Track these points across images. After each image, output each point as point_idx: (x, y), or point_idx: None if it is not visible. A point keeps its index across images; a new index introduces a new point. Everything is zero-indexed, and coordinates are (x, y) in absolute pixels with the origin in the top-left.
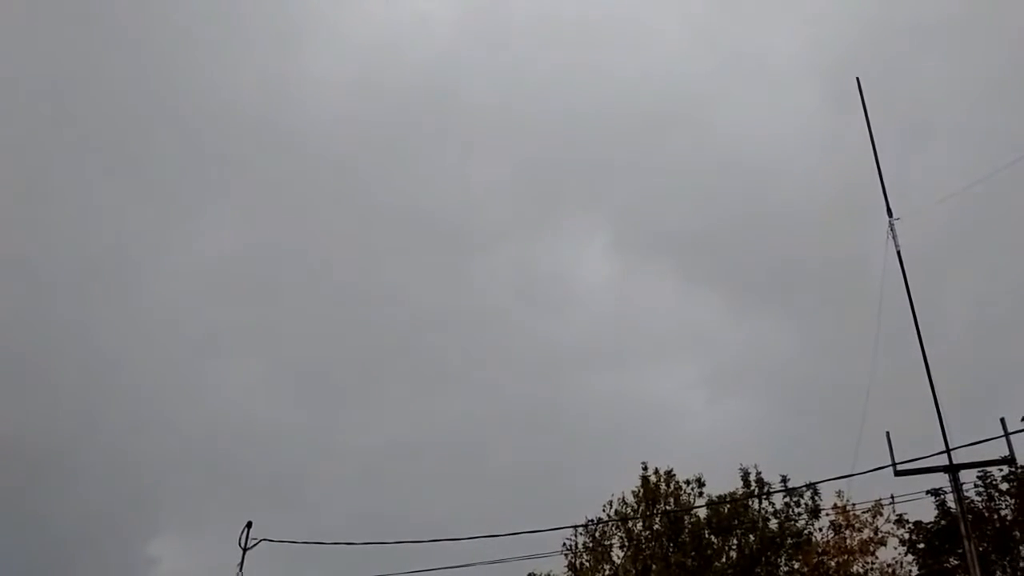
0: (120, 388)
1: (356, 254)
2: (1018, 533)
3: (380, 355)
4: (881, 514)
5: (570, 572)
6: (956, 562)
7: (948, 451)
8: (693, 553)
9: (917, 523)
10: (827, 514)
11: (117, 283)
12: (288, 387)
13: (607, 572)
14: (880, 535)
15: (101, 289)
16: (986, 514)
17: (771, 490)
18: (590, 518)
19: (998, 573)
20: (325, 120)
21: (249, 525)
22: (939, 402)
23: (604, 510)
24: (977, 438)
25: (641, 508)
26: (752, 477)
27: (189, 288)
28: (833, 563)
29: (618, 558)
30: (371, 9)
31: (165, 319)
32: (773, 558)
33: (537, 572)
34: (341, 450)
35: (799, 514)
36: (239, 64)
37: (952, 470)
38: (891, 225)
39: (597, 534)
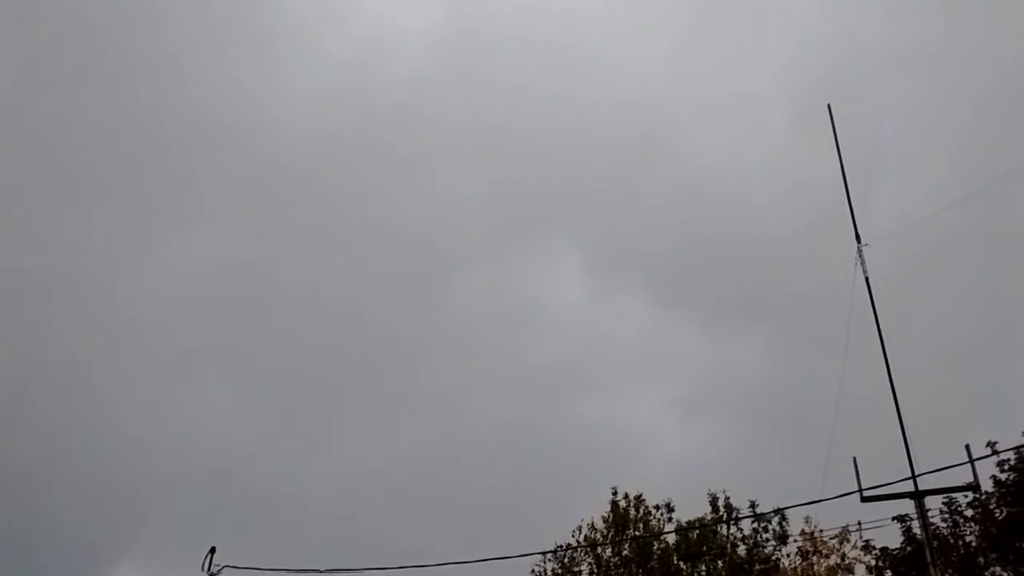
0: (90, 404)
1: (331, 273)
2: (982, 559)
3: (354, 376)
4: (848, 540)
5: None
6: None
7: (914, 477)
8: None
9: (883, 549)
10: (795, 540)
11: (90, 297)
12: (262, 407)
13: None
14: (847, 561)
15: (74, 303)
16: (951, 540)
17: (739, 516)
18: (559, 543)
19: None
20: (303, 137)
21: (212, 551)
22: (905, 428)
23: (573, 535)
24: (943, 464)
25: (610, 534)
26: (721, 502)
27: (163, 304)
28: None
29: None
30: (350, 27)
31: (138, 335)
32: None
33: None
34: (314, 472)
35: (767, 540)
36: (217, 78)
37: (918, 496)
38: (859, 251)
39: (566, 560)
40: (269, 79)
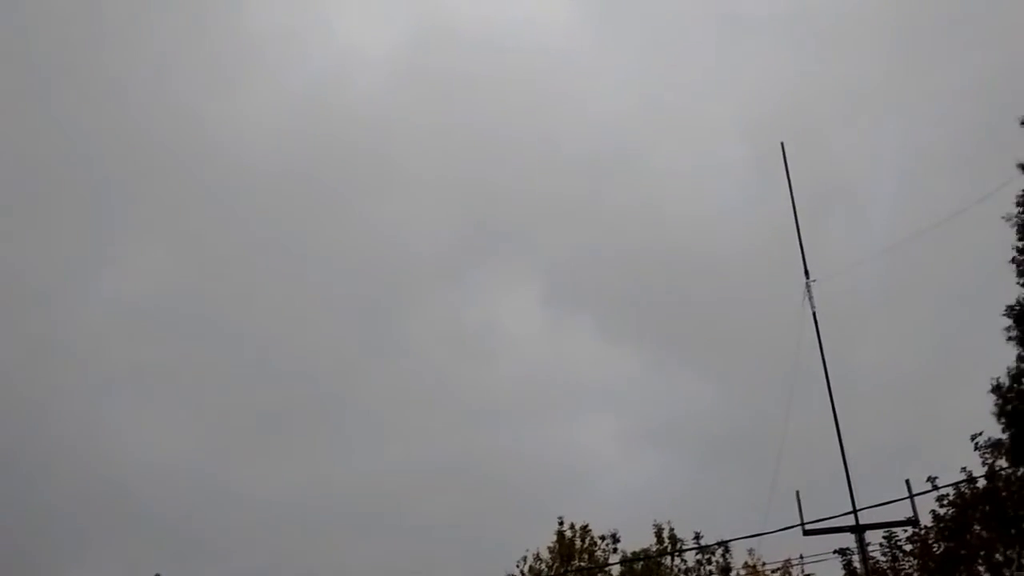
0: (27, 426)
1: (278, 301)
2: None
3: (298, 402)
4: (790, 573)
5: None
6: None
7: (855, 512)
8: None
9: None
10: (738, 572)
11: (31, 317)
12: (201, 432)
13: None
14: None
15: (13, 323)
16: (890, 574)
17: (683, 547)
18: (509, 573)
19: None
20: (255, 162)
21: None
22: (848, 463)
23: (518, 566)
24: (884, 499)
25: (556, 564)
26: (666, 533)
27: (104, 327)
28: None
29: None
30: (309, 54)
31: (75, 356)
32: None
33: None
34: (257, 500)
35: (711, 572)
36: (168, 101)
37: (858, 530)
38: (808, 286)
39: None
40: (221, 104)
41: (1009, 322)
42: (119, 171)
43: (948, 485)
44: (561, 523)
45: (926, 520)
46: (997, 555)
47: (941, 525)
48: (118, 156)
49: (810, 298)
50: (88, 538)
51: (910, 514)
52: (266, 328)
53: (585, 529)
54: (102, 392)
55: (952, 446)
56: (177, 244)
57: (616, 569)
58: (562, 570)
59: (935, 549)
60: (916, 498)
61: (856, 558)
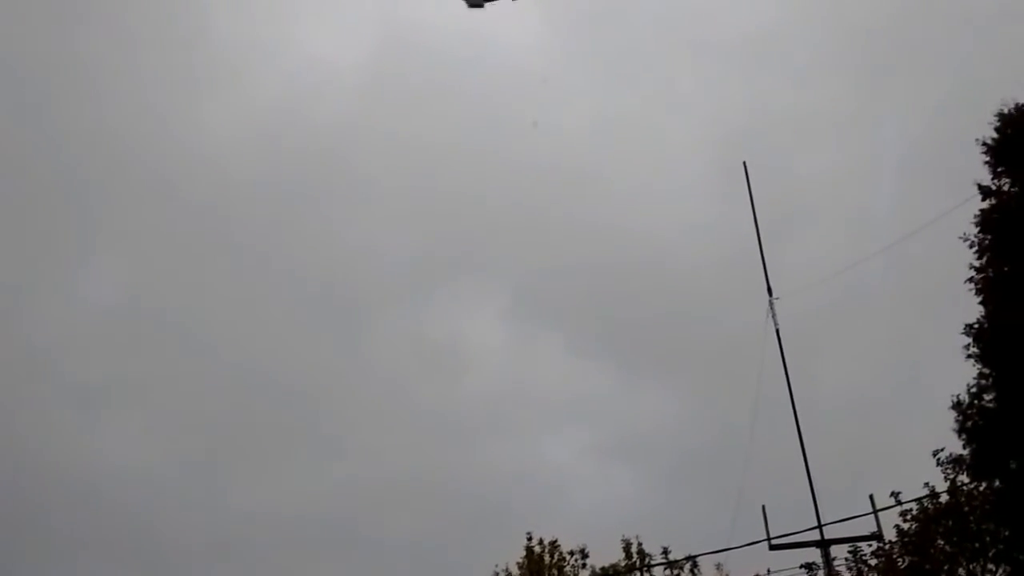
0: None
1: (243, 314)
2: None
3: (262, 418)
4: None
5: None
6: None
7: (820, 527)
8: None
9: None
10: None
11: None
12: (172, 442)
13: None
14: None
15: None
16: None
17: (652, 563)
18: None
19: None
20: (221, 177)
21: None
22: (812, 478)
23: None
24: (848, 514)
25: None
26: (634, 548)
27: (69, 337)
28: None
29: None
30: (278, 63)
31: (43, 367)
32: None
33: None
34: (226, 509)
35: None
36: (136, 109)
37: (823, 545)
38: (771, 304)
39: None
40: (193, 117)
41: (968, 340)
42: (92, 178)
43: (911, 500)
44: (530, 539)
45: (890, 535)
46: (960, 569)
47: (905, 540)
48: (91, 164)
49: (773, 315)
50: (58, 544)
51: (874, 529)
52: (234, 338)
53: (554, 544)
54: (74, 398)
55: (915, 461)
56: (148, 252)
57: None
58: None
59: (900, 563)
60: (880, 513)
61: (822, 573)
